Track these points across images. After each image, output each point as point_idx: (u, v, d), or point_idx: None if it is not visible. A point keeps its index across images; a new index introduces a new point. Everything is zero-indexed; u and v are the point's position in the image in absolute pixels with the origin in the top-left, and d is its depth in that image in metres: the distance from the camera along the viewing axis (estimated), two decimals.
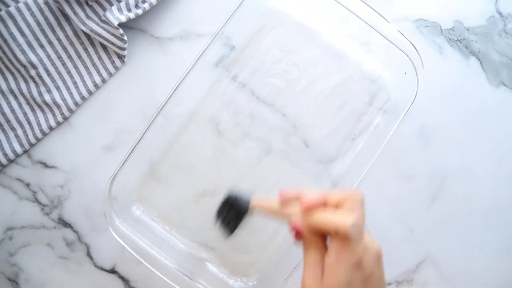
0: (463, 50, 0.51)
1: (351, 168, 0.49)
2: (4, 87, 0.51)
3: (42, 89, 0.50)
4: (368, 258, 0.29)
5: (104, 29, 0.49)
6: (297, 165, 0.49)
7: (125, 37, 0.49)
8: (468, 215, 0.51)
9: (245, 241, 0.50)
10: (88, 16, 0.49)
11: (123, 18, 0.48)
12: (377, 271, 0.30)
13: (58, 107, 0.51)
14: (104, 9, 0.50)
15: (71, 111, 0.51)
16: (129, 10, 0.49)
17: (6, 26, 0.48)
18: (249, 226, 0.49)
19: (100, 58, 0.52)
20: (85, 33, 0.51)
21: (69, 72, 0.51)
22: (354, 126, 0.49)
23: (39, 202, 0.52)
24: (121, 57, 0.51)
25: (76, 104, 0.51)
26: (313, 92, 0.49)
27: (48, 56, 0.50)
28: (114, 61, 0.51)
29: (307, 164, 0.49)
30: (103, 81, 0.52)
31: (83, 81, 0.51)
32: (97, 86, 0.52)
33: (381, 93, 0.50)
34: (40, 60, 0.50)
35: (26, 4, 0.49)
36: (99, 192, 0.49)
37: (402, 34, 0.45)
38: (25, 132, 0.51)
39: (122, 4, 0.49)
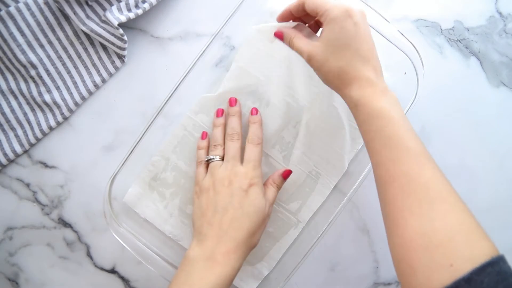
0: (463, 50, 0.51)
1: (351, 167, 0.49)
2: (4, 87, 0.51)
3: (42, 89, 0.51)
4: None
5: (104, 29, 0.49)
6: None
7: (125, 37, 0.49)
8: None
9: None
10: (88, 16, 0.49)
11: (123, 18, 0.48)
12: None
13: (58, 107, 0.51)
14: (104, 9, 0.50)
15: (71, 111, 0.51)
16: (129, 10, 0.49)
17: (6, 26, 0.48)
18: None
19: (100, 58, 0.52)
20: (85, 33, 0.51)
21: (69, 72, 0.51)
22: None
23: (39, 202, 0.52)
24: (121, 57, 0.51)
25: (76, 104, 0.51)
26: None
27: (48, 56, 0.50)
28: (114, 61, 0.51)
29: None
30: (103, 81, 0.52)
31: (83, 81, 0.51)
32: (97, 86, 0.52)
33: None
34: (40, 60, 0.50)
35: (26, 4, 0.49)
36: (99, 192, 0.49)
37: (402, 34, 0.45)
38: (25, 132, 0.51)
39: (122, 4, 0.49)
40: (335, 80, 0.39)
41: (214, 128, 0.48)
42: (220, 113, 0.48)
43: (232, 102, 0.48)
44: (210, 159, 0.45)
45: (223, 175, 0.43)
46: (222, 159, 0.45)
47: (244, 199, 0.42)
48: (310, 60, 0.40)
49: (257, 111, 0.48)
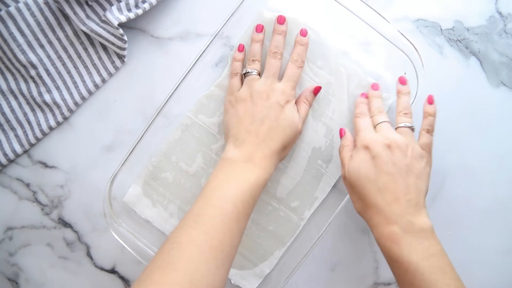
0: (463, 50, 0.51)
1: None
2: (4, 87, 0.51)
3: (42, 89, 0.51)
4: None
5: (104, 29, 0.49)
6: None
7: (125, 37, 0.49)
8: (468, 215, 0.51)
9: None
10: (88, 16, 0.49)
11: (123, 18, 0.48)
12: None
13: (58, 107, 0.51)
14: (104, 9, 0.50)
15: (71, 111, 0.51)
16: (129, 10, 0.49)
17: (6, 26, 0.48)
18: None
19: (100, 58, 0.52)
20: (85, 33, 0.51)
21: (69, 72, 0.51)
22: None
23: (39, 202, 0.52)
24: (121, 57, 0.51)
25: (76, 104, 0.51)
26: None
27: (48, 56, 0.50)
28: (114, 61, 0.51)
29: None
30: (103, 81, 0.52)
31: (83, 81, 0.51)
32: (97, 86, 0.52)
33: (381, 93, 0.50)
34: (40, 60, 0.50)
35: (26, 4, 0.49)
36: (99, 192, 0.49)
37: (402, 34, 0.45)
38: (25, 132, 0.51)
39: (122, 4, 0.49)
40: (359, 207, 0.42)
41: (252, 42, 0.47)
42: (260, 28, 0.47)
43: (281, 20, 0.47)
44: (248, 72, 0.46)
45: (262, 89, 0.44)
46: (258, 74, 0.46)
47: (280, 114, 0.43)
48: (343, 178, 0.43)
49: (306, 32, 0.47)
